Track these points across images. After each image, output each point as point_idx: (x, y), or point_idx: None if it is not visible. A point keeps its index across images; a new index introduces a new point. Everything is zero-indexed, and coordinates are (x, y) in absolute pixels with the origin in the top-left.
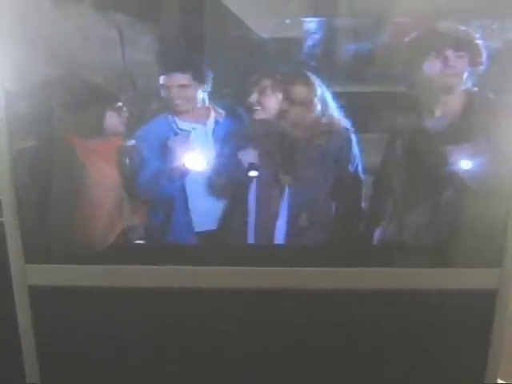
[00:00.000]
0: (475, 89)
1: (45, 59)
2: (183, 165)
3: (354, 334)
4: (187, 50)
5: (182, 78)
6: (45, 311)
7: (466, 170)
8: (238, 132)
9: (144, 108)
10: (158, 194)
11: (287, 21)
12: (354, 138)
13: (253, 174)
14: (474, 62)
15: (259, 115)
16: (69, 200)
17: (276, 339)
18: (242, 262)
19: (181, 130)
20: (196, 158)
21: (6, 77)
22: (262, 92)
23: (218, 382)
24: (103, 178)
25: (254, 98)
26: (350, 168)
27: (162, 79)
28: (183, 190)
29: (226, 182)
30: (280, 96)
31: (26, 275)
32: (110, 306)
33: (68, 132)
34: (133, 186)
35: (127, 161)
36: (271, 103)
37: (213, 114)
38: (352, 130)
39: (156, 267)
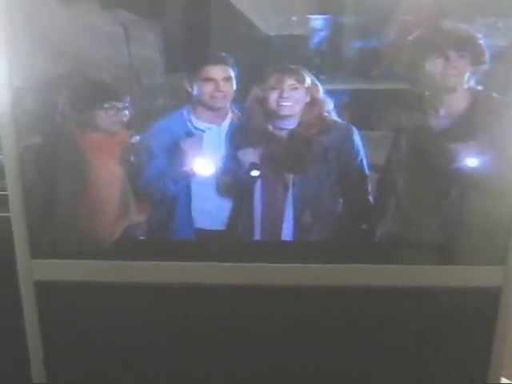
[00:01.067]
0: (479, 87)
1: (51, 56)
2: (191, 167)
3: (358, 330)
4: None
5: (227, 70)
6: (51, 306)
7: (471, 168)
8: (248, 132)
9: (154, 105)
10: (161, 192)
11: (294, 18)
12: (357, 134)
13: (256, 173)
14: (476, 61)
15: (287, 111)
16: (75, 196)
17: (281, 335)
18: (248, 259)
19: (196, 128)
20: (205, 160)
21: (13, 74)
22: (286, 88)
23: (224, 377)
24: (109, 174)
25: (275, 94)
26: (355, 164)
27: (205, 72)
28: (189, 187)
29: (234, 181)
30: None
31: (31, 270)
32: (116, 302)
33: (74, 128)
34: (137, 183)
35: (132, 157)
36: (299, 97)
37: (230, 115)
38: (356, 126)
39: (162, 263)
